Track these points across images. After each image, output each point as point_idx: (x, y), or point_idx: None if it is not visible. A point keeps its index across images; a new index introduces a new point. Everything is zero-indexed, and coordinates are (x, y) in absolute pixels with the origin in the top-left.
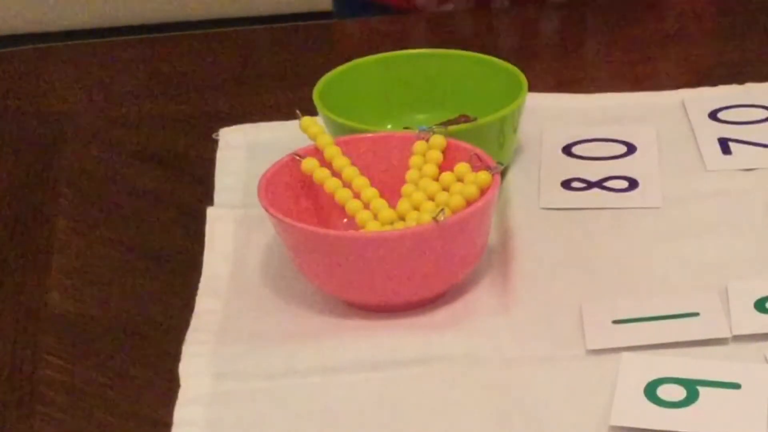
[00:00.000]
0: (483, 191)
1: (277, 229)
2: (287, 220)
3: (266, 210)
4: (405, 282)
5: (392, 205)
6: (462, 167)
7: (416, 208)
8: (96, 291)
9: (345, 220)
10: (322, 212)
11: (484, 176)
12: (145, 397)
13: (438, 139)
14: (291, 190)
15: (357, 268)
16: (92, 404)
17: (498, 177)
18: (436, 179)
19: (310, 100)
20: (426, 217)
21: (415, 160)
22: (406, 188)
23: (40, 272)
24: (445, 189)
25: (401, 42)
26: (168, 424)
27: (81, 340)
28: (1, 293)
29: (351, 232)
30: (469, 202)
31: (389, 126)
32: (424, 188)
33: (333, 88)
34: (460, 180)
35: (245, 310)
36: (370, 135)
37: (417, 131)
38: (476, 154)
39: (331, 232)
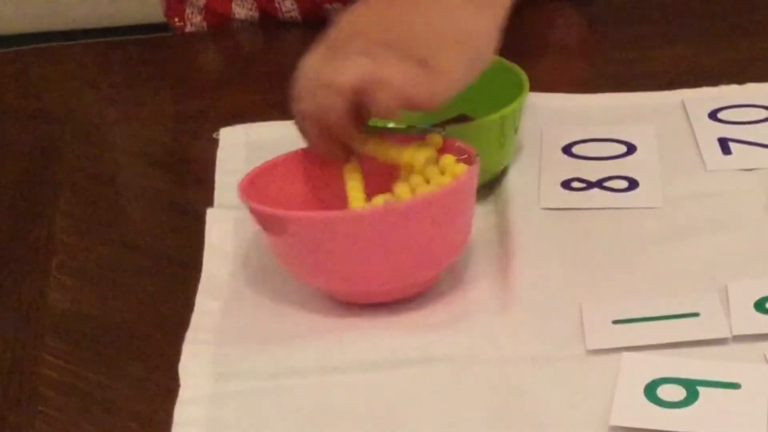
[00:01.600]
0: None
1: (253, 218)
2: (257, 206)
3: (242, 200)
4: (379, 267)
5: None
6: (447, 159)
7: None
8: (96, 291)
9: None
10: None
11: (459, 167)
12: (145, 397)
13: (435, 138)
14: (280, 190)
15: (326, 251)
16: (92, 404)
17: (476, 165)
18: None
19: None
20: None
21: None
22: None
23: (40, 272)
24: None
25: None
26: (168, 424)
27: (81, 340)
28: (1, 293)
29: (316, 213)
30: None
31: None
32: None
33: None
34: (443, 173)
35: (245, 310)
36: None
37: (415, 131)
38: (458, 146)
39: (299, 213)
